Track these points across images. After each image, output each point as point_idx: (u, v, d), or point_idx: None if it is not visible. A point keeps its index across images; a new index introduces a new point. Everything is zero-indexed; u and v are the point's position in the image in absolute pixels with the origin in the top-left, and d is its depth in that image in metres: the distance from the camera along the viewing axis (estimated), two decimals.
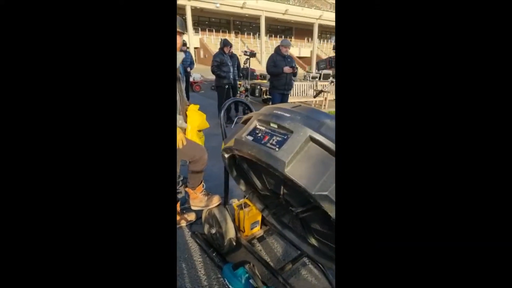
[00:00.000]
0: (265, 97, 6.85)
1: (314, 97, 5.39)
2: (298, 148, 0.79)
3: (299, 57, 21.94)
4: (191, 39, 16.14)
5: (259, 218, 1.62)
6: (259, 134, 0.93)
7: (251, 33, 23.28)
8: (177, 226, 1.83)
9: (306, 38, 25.40)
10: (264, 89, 6.96)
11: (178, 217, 1.85)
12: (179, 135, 1.40)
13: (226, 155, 1.16)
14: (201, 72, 9.73)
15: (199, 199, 1.58)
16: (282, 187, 1.04)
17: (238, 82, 4.88)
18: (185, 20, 13.72)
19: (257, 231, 1.66)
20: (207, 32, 20.91)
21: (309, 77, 6.58)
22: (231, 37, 21.64)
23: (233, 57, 4.38)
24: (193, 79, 7.99)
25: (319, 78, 6.98)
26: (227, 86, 4.30)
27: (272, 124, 0.91)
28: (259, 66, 16.41)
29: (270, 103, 5.36)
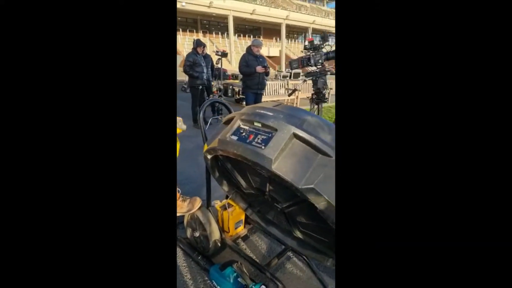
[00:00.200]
0: (238, 97, 6.84)
1: (289, 95, 5.52)
2: (283, 145, 0.82)
3: (269, 57, 22.19)
4: None
5: (243, 217, 1.63)
6: (244, 134, 0.94)
7: (220, 33, 23.04)
8: None
9: (274, 38, 25.79)
10: (236, 89, 6.95)
11: None
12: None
13: (209, 156, 1.15)
14: None
15: (179, 206, 1.55)
16: (267, 184, 1.06)
17: (212, 83, 4.82)
18: None
19: (241, 230, 1.67)
20: None
21: (280, 76, 6.73)
22: (199, 37, 21.23)
23: (206, 57, 4.31)
24: None
25: (290, 77, 7.17)
26: (200, 87, 4.23)
27: (256, 123, 0.93)
28: (230, 66, 16.33)
29: (244, 103, 5.38)
